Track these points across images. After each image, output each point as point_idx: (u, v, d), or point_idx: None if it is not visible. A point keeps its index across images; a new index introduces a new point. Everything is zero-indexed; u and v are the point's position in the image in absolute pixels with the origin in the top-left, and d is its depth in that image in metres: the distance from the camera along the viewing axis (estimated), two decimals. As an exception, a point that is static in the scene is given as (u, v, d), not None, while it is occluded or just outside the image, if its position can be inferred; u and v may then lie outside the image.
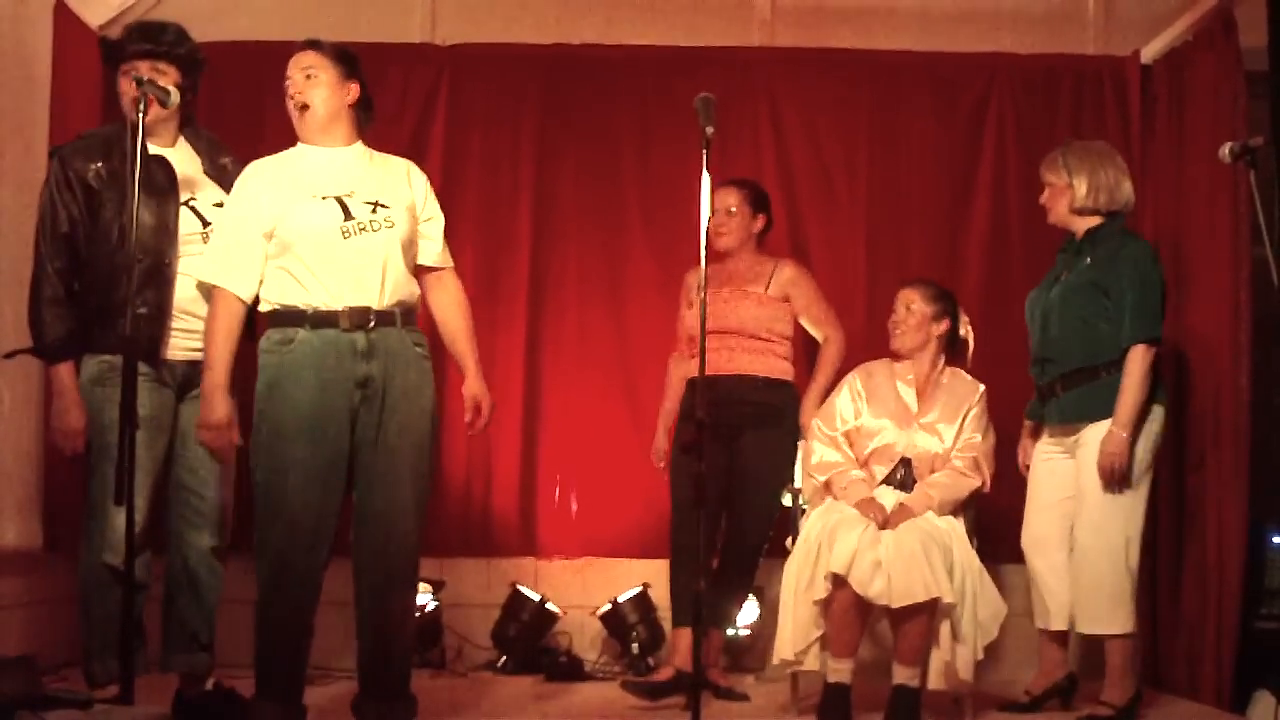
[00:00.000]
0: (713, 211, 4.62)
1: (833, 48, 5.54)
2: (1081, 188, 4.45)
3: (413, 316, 3.82)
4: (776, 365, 4.76)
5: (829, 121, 5.52)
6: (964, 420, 4.47)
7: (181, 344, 3.90)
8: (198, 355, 3.85)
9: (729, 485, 4.68)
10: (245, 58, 5.25)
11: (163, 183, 3.89)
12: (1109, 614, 4.34)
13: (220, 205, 3.93)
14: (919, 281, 4.65)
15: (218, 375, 3.70)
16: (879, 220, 5.47)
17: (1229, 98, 4.67)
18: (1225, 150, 3.95)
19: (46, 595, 4.75)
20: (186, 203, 3.94)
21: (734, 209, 4.80)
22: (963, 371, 4.61)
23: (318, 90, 3.77)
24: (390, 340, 3.71)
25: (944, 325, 4.58)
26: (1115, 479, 4.27)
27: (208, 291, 3.77)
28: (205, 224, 3.93)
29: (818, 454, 4.54)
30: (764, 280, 4.79)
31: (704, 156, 3.63)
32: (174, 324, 3.87)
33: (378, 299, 3.70)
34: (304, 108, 3.78)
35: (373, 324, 3.68)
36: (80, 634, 3.89)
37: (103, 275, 3.83)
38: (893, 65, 5.53)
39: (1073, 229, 4.52)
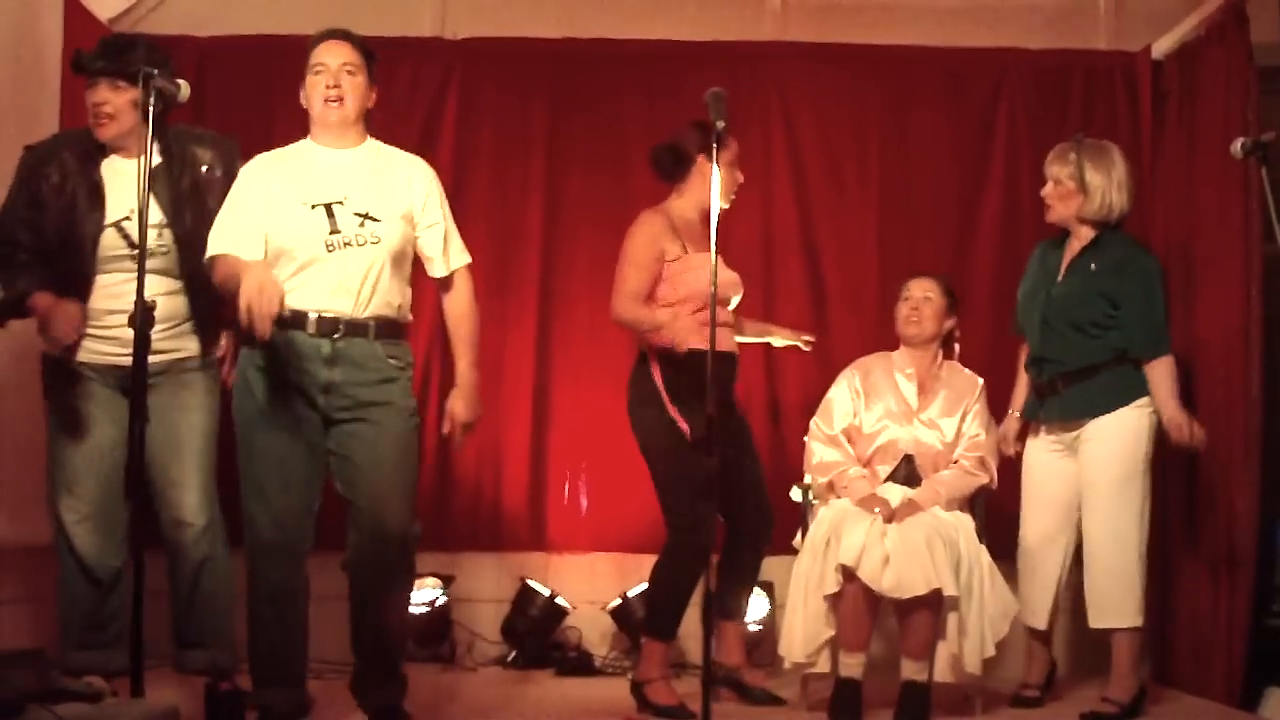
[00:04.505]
0: None
1: (844, 42, 5.53)
2: (1096, 198, 4.42)
3: (396, 329, 3.78)
4: None
5: (840, 116, 5.51)
6: (965, 415, 4.45)
7: (102, 349, 3.99)
8: (121, 360, 3.89)
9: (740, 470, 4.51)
10: (253, 52, 5.25)
11: (93, 201, 3.97)
12: (1119, 606, 4.35)
13: (158, 225, 3.96)
14: (934, 274, 4.62)
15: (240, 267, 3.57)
16: (890, 215, 5.46)
17: (1240, 93, 4.66)
18: (1237, 146, 3.94)
19: (51, 591, 4.74)
20: (118, 223, 3.97)
21: None
22: (959, 365, 4.60)
23: (354, 89, 3.75)
24: (358, 350, 3.68)
25: (952, 321, 4.57)
26: (1190, 435, 4.29)
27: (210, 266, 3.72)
28: (132, 246, 3.89)
29: (818, 454, 4.50)
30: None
31: (714, 151, 3.62)
32: (93, 330, 3.98)
33: (352, 309, 3.67)
34: (339, 101, 3.73)
35: (340, 333, 3.66)
36: None
37: (50, 279, 3.98)
38: (904, 59, 5.52)
39: (1069, 229, 4.52)
